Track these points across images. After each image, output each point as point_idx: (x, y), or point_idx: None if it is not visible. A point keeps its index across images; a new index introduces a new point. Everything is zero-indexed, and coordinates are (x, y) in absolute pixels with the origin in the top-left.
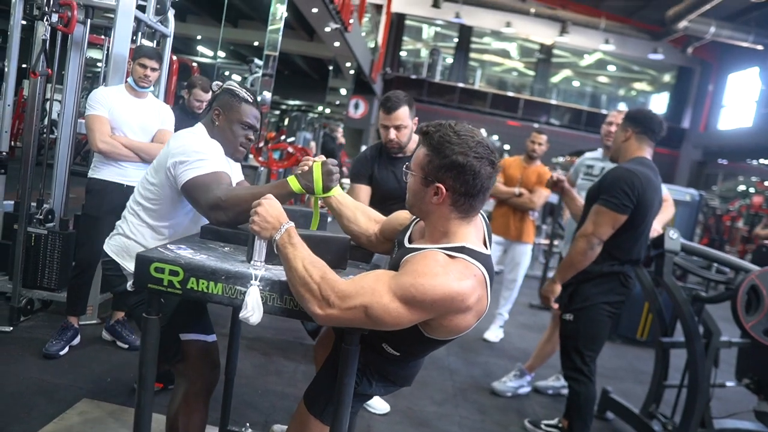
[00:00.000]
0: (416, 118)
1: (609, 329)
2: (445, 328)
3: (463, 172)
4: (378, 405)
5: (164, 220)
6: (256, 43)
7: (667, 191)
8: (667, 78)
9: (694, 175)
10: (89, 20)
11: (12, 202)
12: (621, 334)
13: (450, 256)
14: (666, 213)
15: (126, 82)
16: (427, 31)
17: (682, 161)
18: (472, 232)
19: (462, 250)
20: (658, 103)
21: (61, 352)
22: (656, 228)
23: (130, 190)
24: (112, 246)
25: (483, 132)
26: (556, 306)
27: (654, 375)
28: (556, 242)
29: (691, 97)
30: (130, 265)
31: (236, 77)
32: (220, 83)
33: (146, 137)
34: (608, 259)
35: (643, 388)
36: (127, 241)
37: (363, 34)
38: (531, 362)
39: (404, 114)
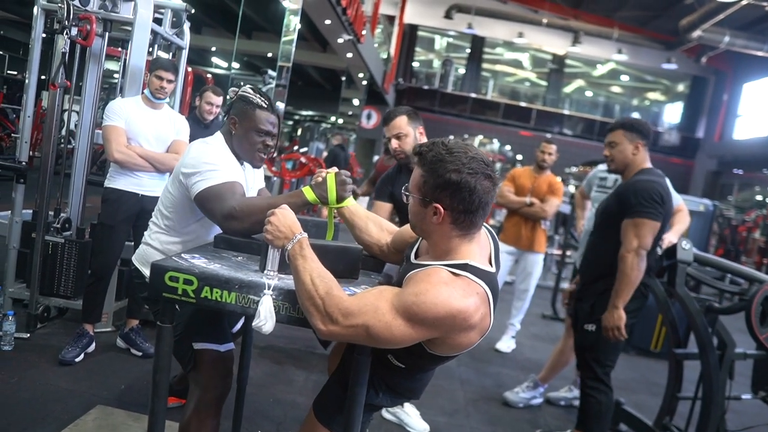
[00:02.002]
0: (421, 128)
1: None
2: (448, 345)
3: (458, 189)
4: (417, 425)
5: (179, 226)
6: (269, 55)
7: (681, 201)
8: (681, 87)
9: (709, 185)
10: (107, 33)
11: (30, 211)
12: (634, 345)
13: (453, 274)
14: (682, 223)
15: (143, 93)
16: (440, 42)
17: (696, 171)
18: (476, 249)
19: (465, 267)
20: (672, 113)
21: (77, 359)
22: (670, 239)
23: (145, 199)
24: (136, 255)
25: (496, 142)
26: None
27: (667, 387)
28: (569, 252)
29: (705, 106)
30: (147, 271)
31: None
32: (235, 89)
33: (161, 147)
34: None
35: (657, 400)
36: (145, 247)
37: (375, 45)
38: (544, 374)
39: (401, 122)
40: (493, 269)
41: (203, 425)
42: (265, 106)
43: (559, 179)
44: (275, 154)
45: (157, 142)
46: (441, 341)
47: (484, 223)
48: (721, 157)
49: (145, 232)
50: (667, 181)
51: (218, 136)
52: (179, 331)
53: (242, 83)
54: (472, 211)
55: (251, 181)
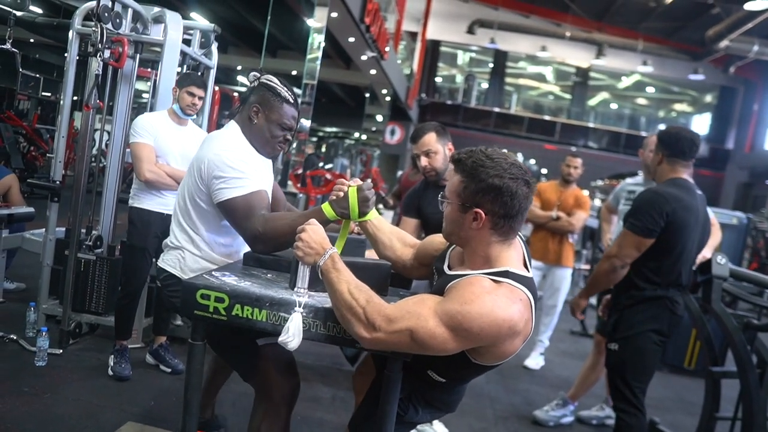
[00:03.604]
0: (450, 144)
1: (657, 358)
2: (493, 353)
3: (500, 194)
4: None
5: (199, 219)
6: (294, 73)
7: (712, 215)
8: (708, 98)
9: (740, 197)
10: (138, 55)
11: (63, 229)
12: (667, 362)
13: (495, 281)
14: (714, 238)
15: (170, 108)
16: (462, 57)
17: (727, 183)
18: (514, 255)
19: (506, 274)
20: (700, 124)
21: (130, 373)
22: (704, 254)
23: (169, 218)
24: (168, 261)
25: (520, 156)
26: (581, 317)
27: (704, 406)
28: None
29: (734, 117)
30: (185, 276)
31: None
32: (257, 74)
33: (186, 165)
34: (649, 283)
35: (693, 420)
36: (178, 251)
37: (399, 61)
38: (574, 391)
39: (430, 140)
40: (530, 274)
41: (274, 429)
42: (292, 101)
43: (585, 193)
44: (300, 171)
45: (183, 160)
46: (485, 350)
47: None
48: (753, 169)
49: (169, 239)
50: (696, 193)
51: (234, 127)
52: (238, 332)
53: (262, 70)
54: (512, 216)
55: (267, 171)
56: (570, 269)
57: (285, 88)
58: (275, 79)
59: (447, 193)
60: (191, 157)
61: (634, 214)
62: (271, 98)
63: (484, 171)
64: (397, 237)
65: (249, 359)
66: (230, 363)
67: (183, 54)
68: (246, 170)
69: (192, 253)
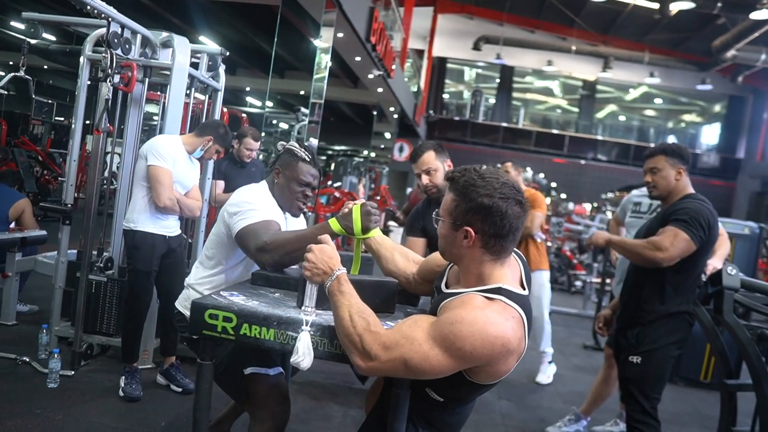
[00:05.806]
0: (448, 161)
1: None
2: (487, 372)
3: (490, 213)
4: None
5: (219, 266)
6: (302, 92)
7: (720, 225)
8: (717, 108)
9: (753, 207)
10: (147, 79)
11: (75, 251)
12: (683, 375)
13: (488, 298)
14: (724, 248)
15: (186, 135)
16: (469, 73)
17: (739, 193)
18: (508, 273)
19: (499, 291)
20: (710, 134)
21: (141, 394)
22: (714, 264)
23: (171, 240)
24: (179, 299)
25: (529, 170)
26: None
27: (721, 420)
28: (608, 281)
29: (744, 126)
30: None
31: (283, 125)
32: (283, 143)
33: (185, 191)
34: (676, 298)
35: None
36: (188, 291)
37: (405, 79)
38: (586, 406)
39: (429, 158)
40: (525, 292)
41: None
42: (308, 159)
43: (540, 194)
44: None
45: (183, 190)
46: (480, 368)
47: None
48: (765, 177)
49: (188, 277)
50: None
51: (263, 184)
52: (226, 362)
53: (274, 124)
54: (502, 236)
55: (284, 226)
56: (545, 272)
57: (302, 150)
58: (296, 144)
59: (441, 210)
60: (189, 186)
61: (689, 222)
62: (289, 159)
63: (475, 190)
64: (399, 252)
65: (240, 385)
66: (223, 388)
67: (191, 77)
68: (260, 204)
69: (195, 291)
